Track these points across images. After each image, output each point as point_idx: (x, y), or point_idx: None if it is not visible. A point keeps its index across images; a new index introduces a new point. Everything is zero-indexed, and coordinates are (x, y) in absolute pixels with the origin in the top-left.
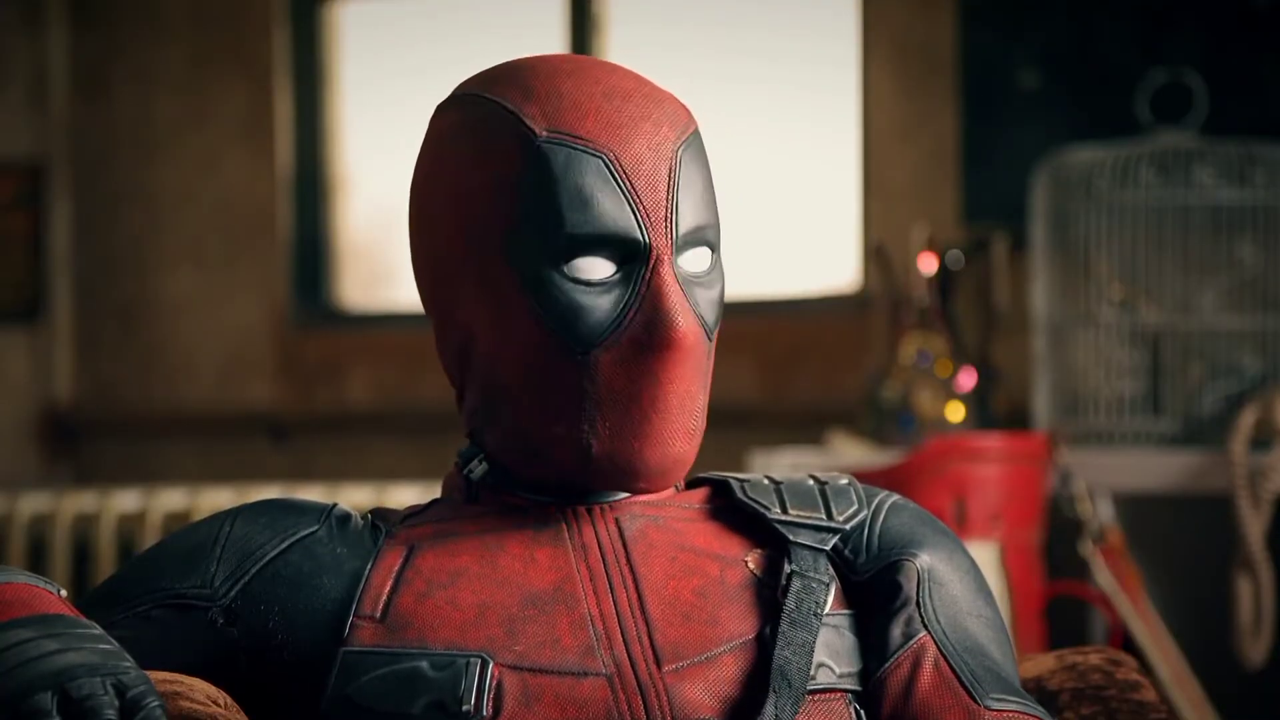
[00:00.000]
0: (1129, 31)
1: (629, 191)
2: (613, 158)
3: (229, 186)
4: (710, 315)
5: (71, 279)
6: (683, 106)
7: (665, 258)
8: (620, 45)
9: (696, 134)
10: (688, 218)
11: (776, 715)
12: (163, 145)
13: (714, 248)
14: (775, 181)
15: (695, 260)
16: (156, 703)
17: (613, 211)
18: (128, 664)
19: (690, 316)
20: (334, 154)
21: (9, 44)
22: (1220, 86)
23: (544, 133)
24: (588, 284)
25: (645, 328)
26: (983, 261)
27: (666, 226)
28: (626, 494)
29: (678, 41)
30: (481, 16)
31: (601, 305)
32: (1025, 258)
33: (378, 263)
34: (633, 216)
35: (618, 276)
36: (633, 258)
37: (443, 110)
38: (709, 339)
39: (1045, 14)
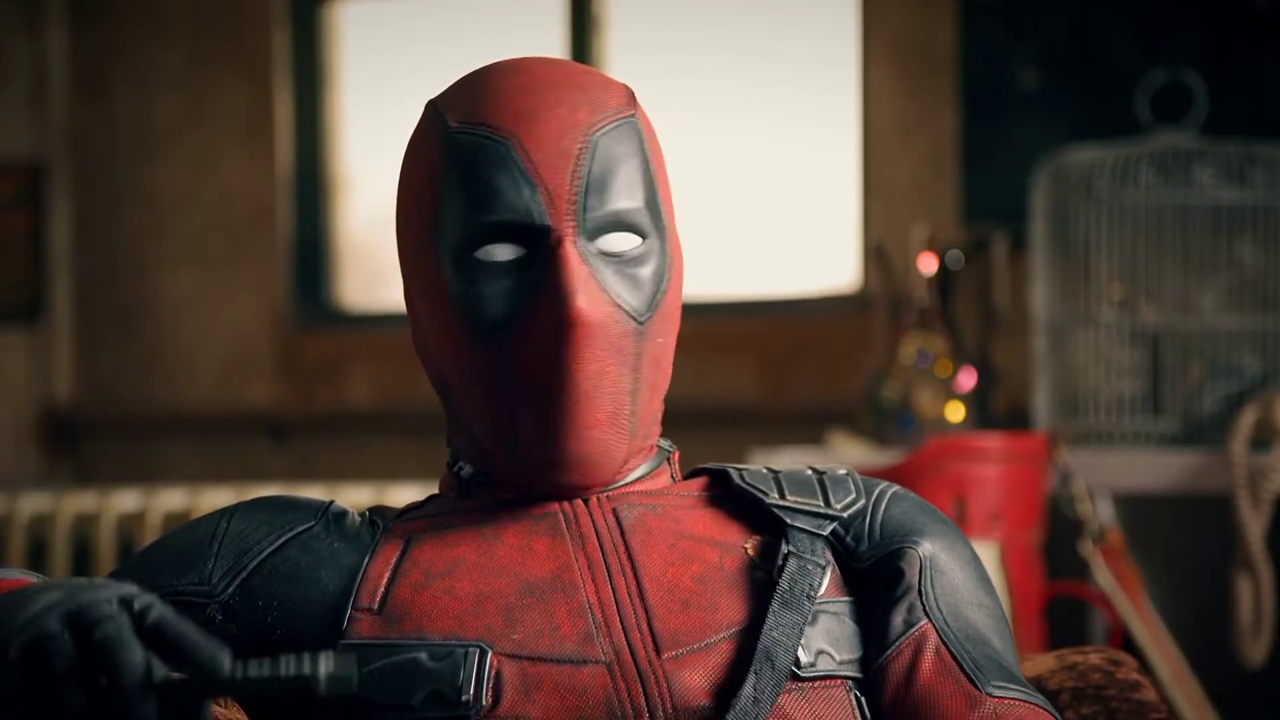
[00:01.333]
0: (1129, 31)
1: (531, 174)
2: (516, 143)
3: (229, 186)
4: (633, 295)
5: (71, 279)
6: (619, 92)
7: (568, 238)
8: (620, 45)
9: (630, 119)
10: (602, 200)
11: (755, 697)
12: (163, 145)
13: (642, 232)
14: (775, 181)
15: (615, 243)
16: (165, 609)
17: (510, 194)
18: (131, 588)
19: (597, 295)
20: (334, 154)
21: (9, 44)
22: (1220, 86)
23: (456, 124)
24: (495, 268)
25: (548, 308)
26: (983, 261)
27: (571, 207)
28: (568, 491)
29: (678, 41)
30: (481, 16)
31: (507, 289)
32: (1025, 258)
33: (378, 263)
34: (532, 199)
35: (524, 261)
36: (536, 241)
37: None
38: (635, 321)
39: (1045, 14)
